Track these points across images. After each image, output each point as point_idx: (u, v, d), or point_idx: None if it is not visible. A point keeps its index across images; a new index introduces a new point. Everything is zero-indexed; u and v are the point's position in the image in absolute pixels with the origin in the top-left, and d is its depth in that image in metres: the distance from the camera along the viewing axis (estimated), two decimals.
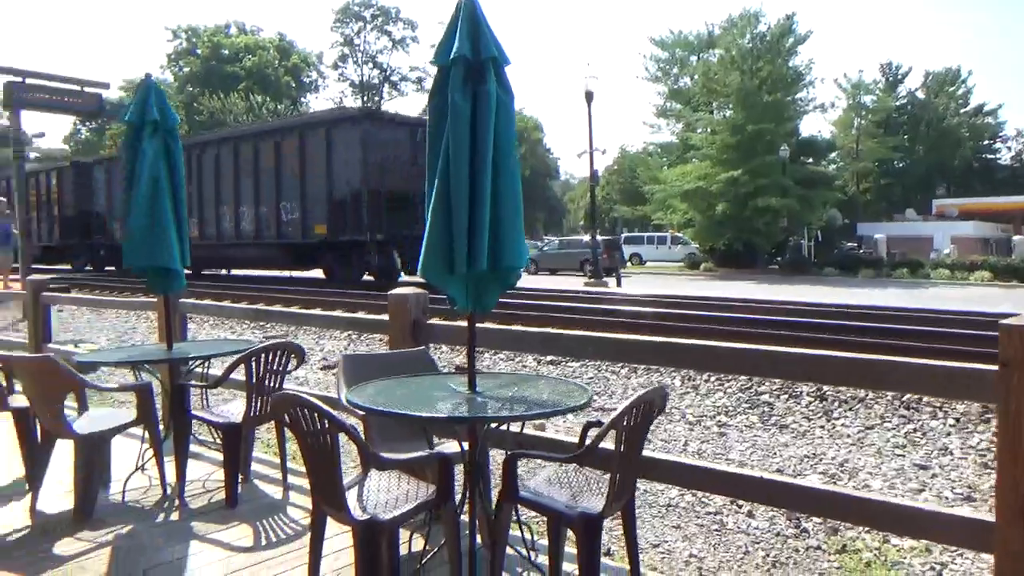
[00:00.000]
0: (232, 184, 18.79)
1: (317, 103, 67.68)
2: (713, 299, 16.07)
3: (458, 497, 2.88)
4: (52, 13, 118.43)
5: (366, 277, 17.81)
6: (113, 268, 25.63)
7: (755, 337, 9.67)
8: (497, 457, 5.16)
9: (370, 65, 67.80)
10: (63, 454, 4.00)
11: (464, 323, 3.06)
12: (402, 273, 18.16)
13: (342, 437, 2.55)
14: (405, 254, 16.90)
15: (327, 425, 2.53)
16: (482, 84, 2.80)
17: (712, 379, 7.46)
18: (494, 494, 2.99)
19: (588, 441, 2.80)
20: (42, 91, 13.32)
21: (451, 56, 2.75)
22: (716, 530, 4.21)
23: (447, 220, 2.76)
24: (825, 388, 6.85)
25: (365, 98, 67.47)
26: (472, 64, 2.75)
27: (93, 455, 3.84)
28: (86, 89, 13.91)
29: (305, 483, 4.33)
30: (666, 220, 34.92)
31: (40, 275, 9.58)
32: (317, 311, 12.56)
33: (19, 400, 4.34)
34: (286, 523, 3.76)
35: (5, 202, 17.47)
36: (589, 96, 25.55)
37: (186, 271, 4.52)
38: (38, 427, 4.02)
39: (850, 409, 6.46)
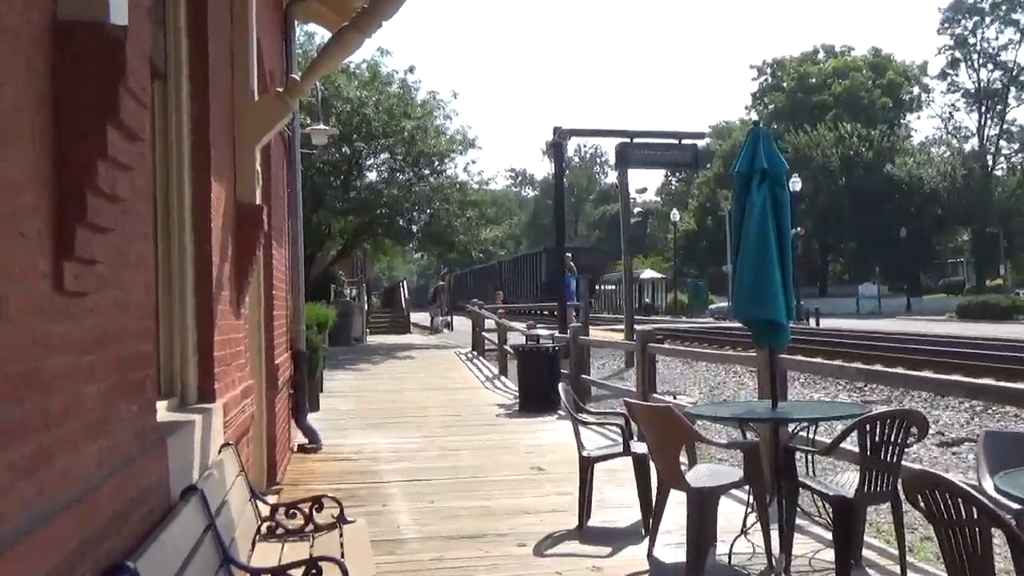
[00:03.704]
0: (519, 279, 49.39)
1: (920, 124, 63.79)
2: None
3: None
4: (642, 69, 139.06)
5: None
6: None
7: None
8: None
9: (989, 66, 61.28)
10: (674, 504, 4.61)
11: None
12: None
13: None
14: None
15: (977, 515, 2.39)
16: None
17: None
18: None
19: None
20: (646, 148, 15.82)
21: None
22: None
23: None
24: None
25: (984, 108, 61.05)
26: None
27: (704, 510, 4.34)
28: (683, 141, 15.98)
29: None
30: None
31: (644, 325, 11.14)
32: (927, 373, 11.76)
33: (638, 446, 5.19)
34: None
35: (570, 256, 21.32)
36: None
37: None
38: (654, 474, 4.74)
39: None
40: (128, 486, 2.19)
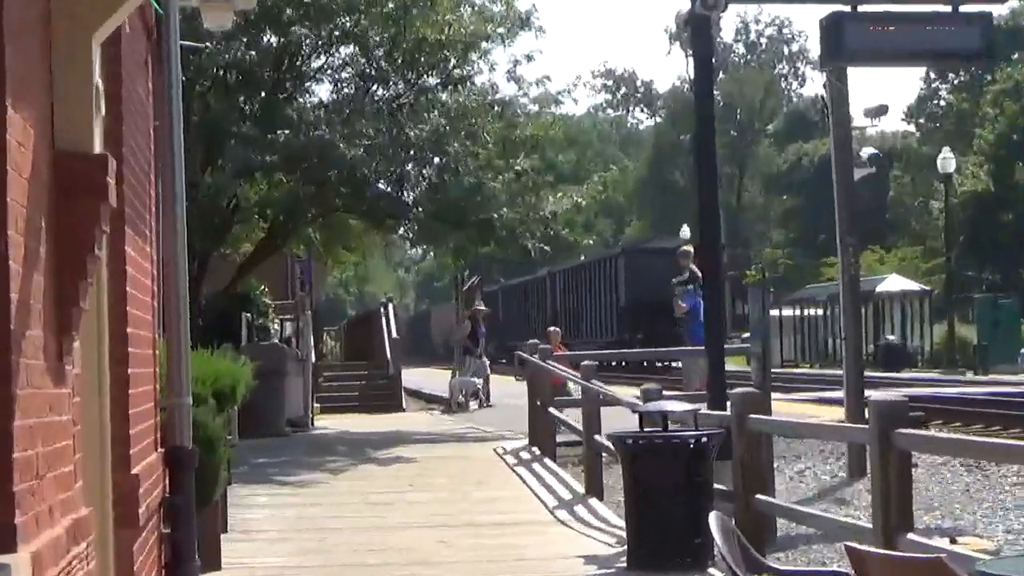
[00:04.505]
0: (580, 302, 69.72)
1: None
2: None
3: None
4: None
5: None
6: None
7: None
8: None
9: None
10: None
11: None
12: None
13: None
14: None
15: None
16: None
17: None
18: None
19: None
20: (884, 24, 15.65)
21: None
22: None
23: None
24: None
25: None
26: None
27: None
28: (961, 8, 15.76)
29: None
30: None
31: (885, 391, 10.87)
32: None
33: None
34: None
35: (687, 253, 21.18)
36: None
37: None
38: None
39: None
40: None
